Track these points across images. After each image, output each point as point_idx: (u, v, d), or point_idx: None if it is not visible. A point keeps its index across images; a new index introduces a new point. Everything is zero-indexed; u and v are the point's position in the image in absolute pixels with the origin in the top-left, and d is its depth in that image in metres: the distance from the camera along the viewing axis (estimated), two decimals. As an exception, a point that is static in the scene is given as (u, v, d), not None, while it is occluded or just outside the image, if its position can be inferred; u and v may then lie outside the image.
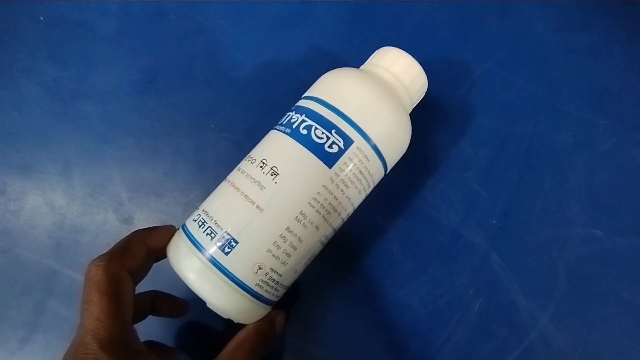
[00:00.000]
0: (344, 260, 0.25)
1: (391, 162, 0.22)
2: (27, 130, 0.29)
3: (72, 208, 0.27)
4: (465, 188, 0.26)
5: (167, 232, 0.21)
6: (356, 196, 0.21)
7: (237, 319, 0.20)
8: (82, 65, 0.30)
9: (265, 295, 0.19)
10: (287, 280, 0.20)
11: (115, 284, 0.18)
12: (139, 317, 0.21)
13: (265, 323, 0.20)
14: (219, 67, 0.29)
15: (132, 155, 0.28)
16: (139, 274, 0.20)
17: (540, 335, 0.23)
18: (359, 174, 0.20)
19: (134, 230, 0.20)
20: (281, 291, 0.20)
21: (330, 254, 0.23)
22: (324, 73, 0.22)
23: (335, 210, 0.20)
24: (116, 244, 0.19)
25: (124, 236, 0.20)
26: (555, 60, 0.27)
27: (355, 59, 0.25)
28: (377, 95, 0.21)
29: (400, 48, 0.23)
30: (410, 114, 0.23)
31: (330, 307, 0.24)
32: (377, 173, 0.21)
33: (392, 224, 0.25)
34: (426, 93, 0.24)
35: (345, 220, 0.22)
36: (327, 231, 0.20)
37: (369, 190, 0.22)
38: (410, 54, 0.22)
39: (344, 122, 0.20)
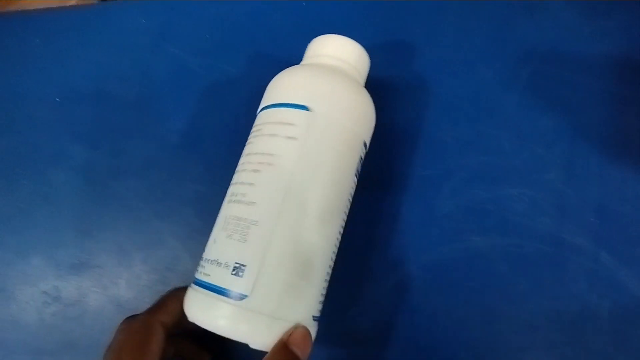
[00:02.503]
0: (451, 288, 0.24)
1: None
2: (67, 222, 0.26)
3: (142, 301, 0.24)
4: (552, 190, 0.25)
5: None
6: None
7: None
8: (113, 140, 0.27)
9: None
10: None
11: (145, 334, 0.19)
12: None
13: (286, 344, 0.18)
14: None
15: (193, 225, 0.25)
16: (175, 328, 0.20)
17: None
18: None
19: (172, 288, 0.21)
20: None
21: (435, 282, 0.22)
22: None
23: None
24: (155, 302, 0.21)
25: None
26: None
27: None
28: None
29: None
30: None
31: (443, 333, 0.23)
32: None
33: (491, 244, 0.24)
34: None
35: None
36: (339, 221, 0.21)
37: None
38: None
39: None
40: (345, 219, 0.21)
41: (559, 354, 0.22)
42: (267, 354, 0.18)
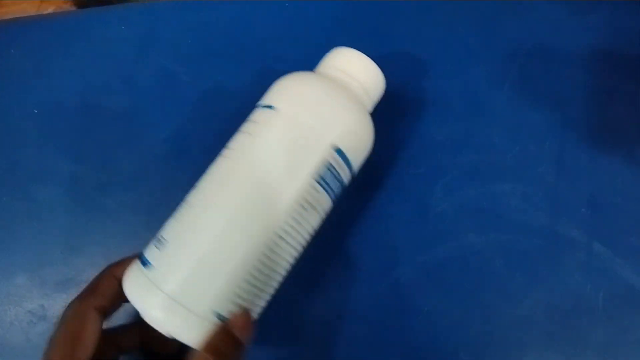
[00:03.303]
0: (447, 287, 0.23)
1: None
2: (52, 238, 0.25)
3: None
4: (544, 184, 0.25)
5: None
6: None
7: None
8: (99, 152, 0.27)
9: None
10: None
11: (77, 324, 0.18)
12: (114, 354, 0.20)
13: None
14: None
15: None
16: (113, 308, 0.19)
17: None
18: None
19: (106, 265, 0.20)
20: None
21: (431, 278, 0.22)
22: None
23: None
24: (88, 284, 0.19)
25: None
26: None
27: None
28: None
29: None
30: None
31: (441, 333, 0.23)
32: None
33: (486, 240, 0.24)
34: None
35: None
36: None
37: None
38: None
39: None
40: (301, 225, 0.20)
41: (557, 348, 0.22)
42: (207, 338, 0.17)
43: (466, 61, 0.28)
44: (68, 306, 0.18)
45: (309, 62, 0.24)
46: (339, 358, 0.23)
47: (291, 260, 0.20)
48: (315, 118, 0.20)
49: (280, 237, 0.19)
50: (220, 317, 0.17)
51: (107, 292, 0.19)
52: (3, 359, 0.23)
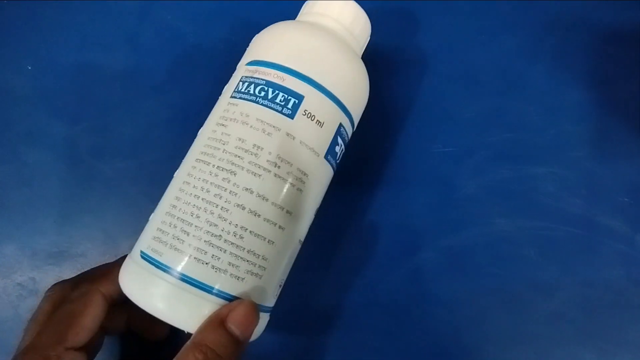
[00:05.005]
0: (473, 275, 0.22)
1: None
2: (44, 207, 0.23)
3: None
4: (582, 169, 0.23)
5: None
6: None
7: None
8: (96, 115, 0.24)
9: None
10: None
11: (79, 305, 0.16)
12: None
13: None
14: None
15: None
16: (119, 299, 0.17)
17: None
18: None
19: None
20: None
21: (455, 265, 0.20)
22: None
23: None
24: (98, 268, 0.18)
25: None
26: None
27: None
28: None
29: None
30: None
31: (464, 324, 0.21)
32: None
33: (517, 226, 0.22)
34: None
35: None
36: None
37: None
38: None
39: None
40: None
41: (592, 346, 0.20)
42: (197, 331, 0.14)
43: (498, 31, 0.25)
44: (73, 285, 0.17)
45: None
46: (354, 348, 0.21)
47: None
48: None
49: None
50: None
51: (118, 281, 0.17)
52: (-12, 333, 0.21)
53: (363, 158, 0.23)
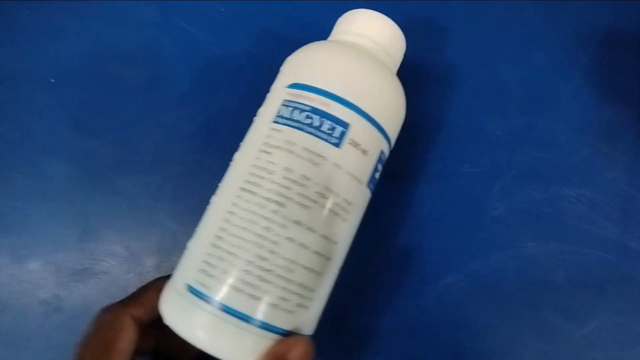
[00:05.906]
0: (501, 300, 0.21)
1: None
2: (67, 222, 0.23)
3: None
4: (615, 192, 0.22)
5: None
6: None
7: None
8: (117, 128, 0.24)
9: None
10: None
11: (113, 330, 0.17)
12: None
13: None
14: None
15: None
16: (151, 322, 0.18)
17: None
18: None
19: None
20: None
21: (483, 289, 0.20)
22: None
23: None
24: (132, 293, 0.18)
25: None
26: None
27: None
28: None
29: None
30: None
31: (491, 350, 0.21)
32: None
33: (547, 250, 0.22)
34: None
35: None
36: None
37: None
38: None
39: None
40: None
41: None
42: None
43: (530, 46, 0.25)
44: (105, 310, 0.17)
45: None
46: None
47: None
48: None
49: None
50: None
51: (150, 304, 0.18)
52: (13, 353, 0.21)
53: (391, 180, 0.23)
